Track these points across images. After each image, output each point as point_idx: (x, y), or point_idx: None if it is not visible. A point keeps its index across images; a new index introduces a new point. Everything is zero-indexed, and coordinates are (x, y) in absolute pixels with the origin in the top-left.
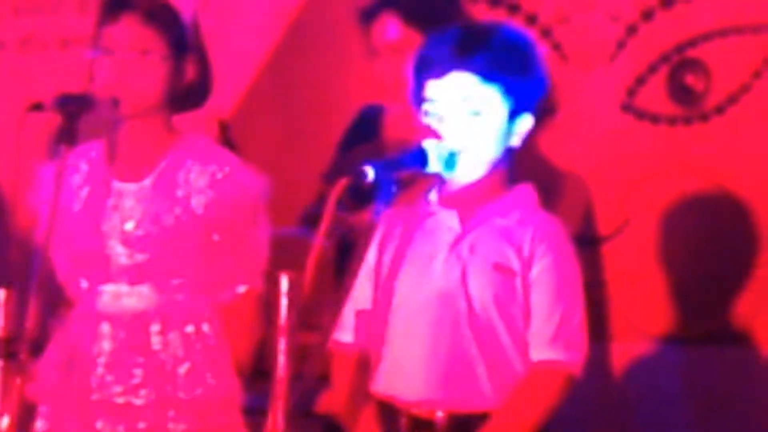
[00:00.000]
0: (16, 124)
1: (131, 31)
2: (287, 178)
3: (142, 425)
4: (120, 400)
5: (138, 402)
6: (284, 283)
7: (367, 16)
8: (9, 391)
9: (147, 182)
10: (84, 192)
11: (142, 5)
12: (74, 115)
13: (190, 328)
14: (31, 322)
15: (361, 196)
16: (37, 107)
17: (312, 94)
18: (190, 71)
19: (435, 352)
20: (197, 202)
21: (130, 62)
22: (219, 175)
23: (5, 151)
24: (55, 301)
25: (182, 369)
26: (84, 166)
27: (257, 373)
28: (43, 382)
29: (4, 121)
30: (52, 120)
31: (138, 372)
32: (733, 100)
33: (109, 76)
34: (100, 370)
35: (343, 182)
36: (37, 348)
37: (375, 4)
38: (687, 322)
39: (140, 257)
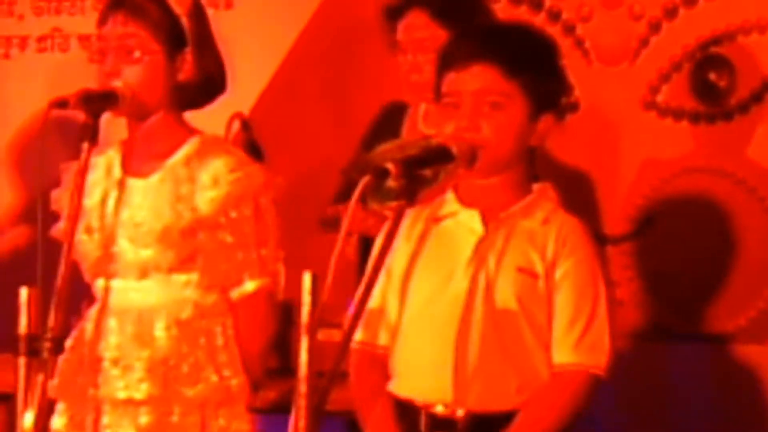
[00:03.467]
0: (39, 121)
1: (116, 30)
2: (308, 175)
3: (143, 420)
4: (122, 395)
5: (139, 396)
6: (306, 281)
7: (395, 13)
8: (32, 387)
9: (154, 178)
10: (100, 189)
11: (127, 2)
12: (97, 113)
13: (197, 324)
14: (54, 320)
15: (383, 193)
16: (61, 104)
17: (334, 92)
18: (189, 66)
19: (457, 352)
20: (201, 200)
21: (118, 62)
22: (223, 172)
23: (29, 147)
24: (78, 299)
25: (186, 365)
26: (103, 163)
27: (282, 371)
28: (61, 378)
29: (28, 119)
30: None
31: (139, 366)
32: (757, 97)
33: (104, 77)
34: (106, 364)
35: (365, 179)
36: (60, 346)
37: (403, 0)
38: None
39: (144, 253)
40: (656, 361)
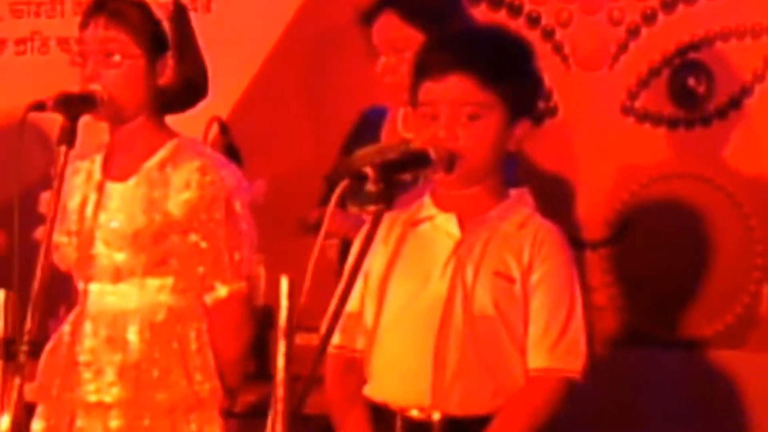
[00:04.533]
0: (17, 124)
1: (97, 34)
2: (288, 179)
3: (114, 423)
4: (93, 398)
5: (109, 400)
6: (284, 285)
7: (368, 17)
8: (9, 391)
9: (131, 182)
10: (80, 192)
11: (108, 7)
12: (75, 116)
13: (170, 328)
14: (30, 323)
15: (362, 196)
16: (38, 107)
17: (313, 96)
18: (170, 70)
19: (436, 357)
20: (174, 203)
21: (98, 66)
22: (196, 175)
23: (6, 150)
24: (55, 302)
25: (157, 369)
26: (86, 167)
27: (260, 374)
28: (40, 381)
29: (4, 120)
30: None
31: (111, 370)
32: (735, 103)
33: (84, 80)
34: (80, 368)
35: (343, 184)
36: (37, 349)
37: (375, 4)
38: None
39: (118, 256)
40: (634, 366)
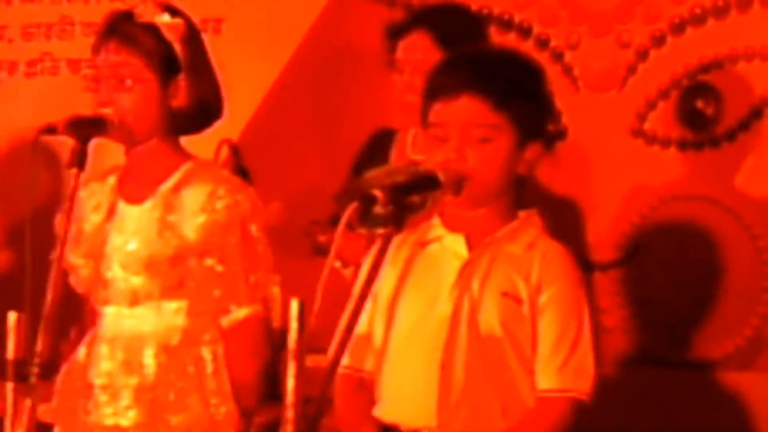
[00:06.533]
0: (28, 145)
1: (109, 59)
2: (298, 200)
3: None
4: (110, 422)
5: (125, 423)
6: (294, 307)
7: (397, 31)
8: (20, 412)
9: (147, 205)
10: (97, 215)
11: (120, 31)
12: (86, 139)
13: (186, 351)
14: (42, 345)
15: (371, 219)
16: (49, 130)
17: (323, 117)
18: (183, 92)
19: (442, 377)
20: (189, 227)
21: (111, 90)
22: (211, 198)
23: (18, 172)
24: (67, 324)
25: (173, 392)
26: (102, 189)
27: (270, 396)
28: (58, 402)
29: (16, 143)
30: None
31: (127, 393)
32: (744, 125)
33: (98, 105)
34: (96, 390)
35: (352, 206)
36: (48, 370)
37: (407, 20)
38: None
39: (135, 280)
40: (644, 388)
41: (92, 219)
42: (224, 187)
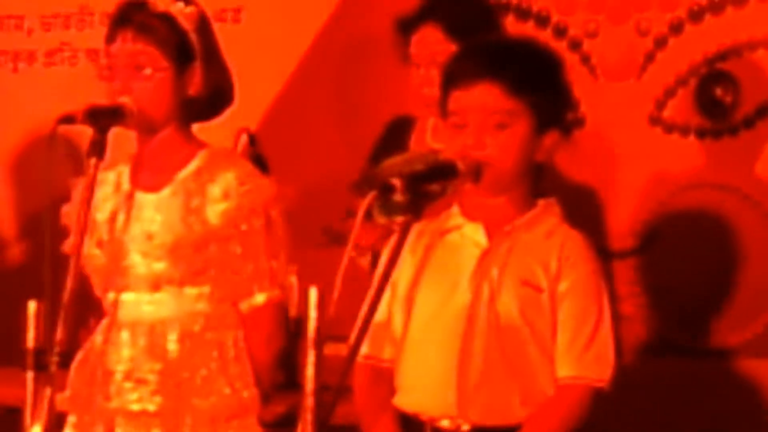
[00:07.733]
0: (46, 136)
1: (126, 48)
2: (316, 189)
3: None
4: (135, 407)
5: (152, 408)
6: (313, 295)
7: (408, 26)
8: (40, 401)
9: (165, 192)
10: (110, 204)
11: (135, 20)
12: (105, 128)
13: (209, 336)
14: (61, 334)
15: (389, 207)
16: (68, 120)
17: (341, 105)
18: (198, 80)
19: (460, 366)
20: (212, 213)
21: (128, 79)
22: (234, 185)
23: (37, 161)
24: (85, 312)
25: (198, 377)
26: (113, 178)
27: (289, 384)
28: (72, 391)
29: (35, 131)
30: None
31: (152, 378)
32: (762, 113)
33: (114, 94)
34: (118, 377)
35: (371, 195)
36: (68, 359)
37: (417, 14)
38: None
39: (157, 266)
40: (662, 375)
41: (105, 208)
42: (247, 174)
